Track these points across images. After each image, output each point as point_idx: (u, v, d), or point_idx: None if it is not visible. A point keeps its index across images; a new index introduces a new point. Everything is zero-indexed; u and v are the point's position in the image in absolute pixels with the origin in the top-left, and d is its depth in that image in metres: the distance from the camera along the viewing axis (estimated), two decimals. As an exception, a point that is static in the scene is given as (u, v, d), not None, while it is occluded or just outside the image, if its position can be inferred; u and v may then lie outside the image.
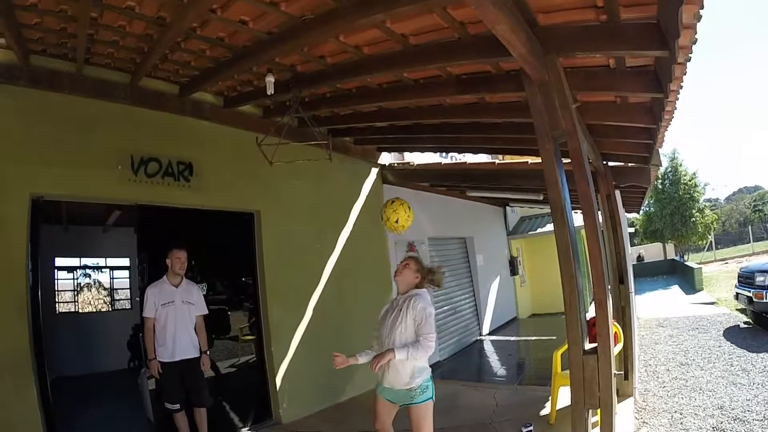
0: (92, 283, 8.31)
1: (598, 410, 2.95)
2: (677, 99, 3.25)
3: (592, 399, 2.83)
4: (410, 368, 2.89)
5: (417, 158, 7.65)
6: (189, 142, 4.49)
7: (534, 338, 9.91)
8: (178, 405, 3.80)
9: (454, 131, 4.95)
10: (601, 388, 2.80)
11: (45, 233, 3.83)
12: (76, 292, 8.13)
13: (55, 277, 7.71)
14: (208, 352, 4.05)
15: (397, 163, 7.34)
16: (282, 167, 4.52)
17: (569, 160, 2.91)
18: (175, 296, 3.87)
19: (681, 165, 25.14)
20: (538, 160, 5.76)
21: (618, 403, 4.20)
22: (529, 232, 12.35)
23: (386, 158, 7.18)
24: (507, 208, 12.34)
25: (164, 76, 4.20)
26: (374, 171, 6.86)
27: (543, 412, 4.53)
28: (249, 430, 4.59)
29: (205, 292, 4.57)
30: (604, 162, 4.91)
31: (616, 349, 4.21)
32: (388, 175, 7.00)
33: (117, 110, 4.03)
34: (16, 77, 3.50)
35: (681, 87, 3.01)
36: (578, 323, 2.83)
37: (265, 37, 3.22)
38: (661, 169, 20.79)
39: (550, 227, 11.74)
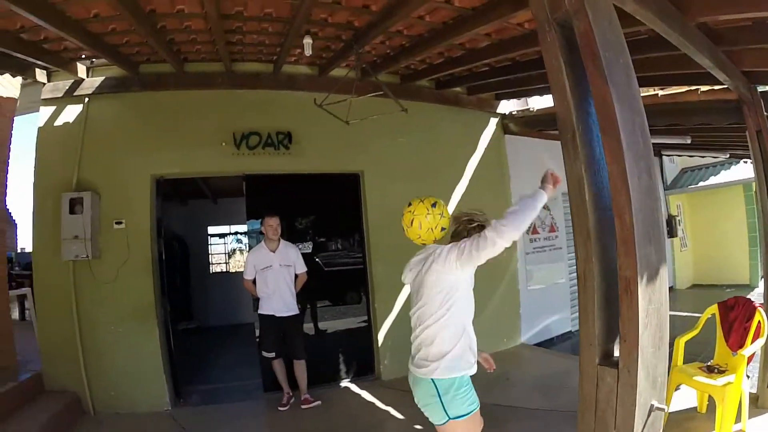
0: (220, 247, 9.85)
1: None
2: None
3: None
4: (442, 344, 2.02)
5: (537, 103, 6.70)
6: (286, 114, 4.82)
7: (685, 314, 8.20)
8: (273, 354, 4.21)
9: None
10: None
11: (165, 208, 4.83)
12: (221, 255, 9.82)
13: (195, 244, 9.01)
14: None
15: (518, 111, 6.60)
16: (385, 126, 4.66)
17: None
18: (273, 261, 4.21)
19: None
20: (672, 91, 4.72)
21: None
22: (690, 186, 10.24)
23: (507, 106, 6.51)
24: (663, 157, 10.10)
25: (256, 58, 4.59)
26: (493, 121, 6.30)
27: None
28: (350, 382, 4.88)
29: (309, 251, 4.97)
30: (751, 85, 3.62)
31: (758, 344, 3.17)
32: (510, 124, 6.35)
33: (217, 96, 4.64)
34: (129, 85, 4.40)
35: None
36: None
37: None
38: None
39: (716, 179, 9.74)
